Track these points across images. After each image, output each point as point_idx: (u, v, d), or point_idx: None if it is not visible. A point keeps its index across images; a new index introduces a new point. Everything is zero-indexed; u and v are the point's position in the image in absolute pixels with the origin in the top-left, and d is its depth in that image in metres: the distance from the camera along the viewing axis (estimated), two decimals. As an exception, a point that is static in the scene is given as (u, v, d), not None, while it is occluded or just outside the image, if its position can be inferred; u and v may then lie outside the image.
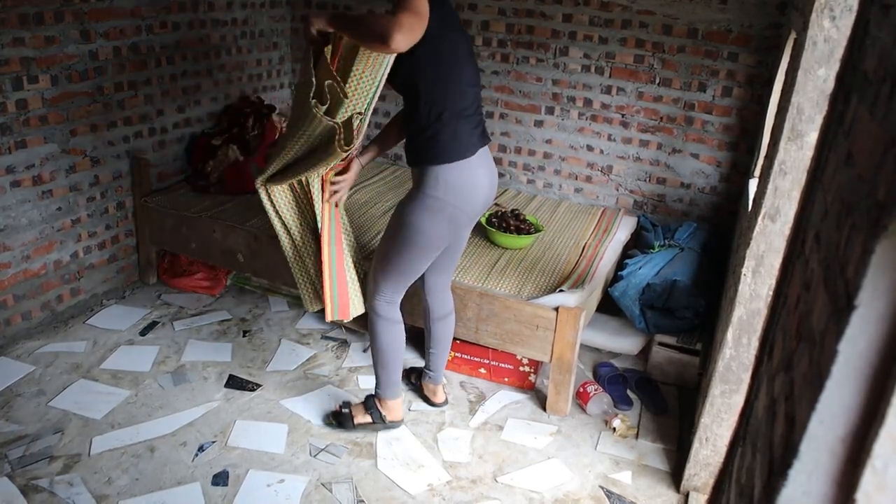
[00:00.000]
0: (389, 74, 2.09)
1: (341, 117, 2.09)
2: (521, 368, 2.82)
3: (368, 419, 2.50)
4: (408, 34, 1.81)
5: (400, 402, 2.52)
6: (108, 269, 3.30)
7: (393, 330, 2.37)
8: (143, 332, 3.07)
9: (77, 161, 3.02)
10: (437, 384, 2.67)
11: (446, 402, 2.70)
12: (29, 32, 2.71)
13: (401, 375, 2.48)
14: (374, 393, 2.52)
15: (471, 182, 2.11)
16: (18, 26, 2.67)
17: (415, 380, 2.77)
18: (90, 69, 2.98)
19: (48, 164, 2.90)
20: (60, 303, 3.11)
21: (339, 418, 2.52)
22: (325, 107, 2.05)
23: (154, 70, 3.29)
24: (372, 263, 2.33)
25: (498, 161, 3.81)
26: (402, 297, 2.36)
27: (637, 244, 3.35)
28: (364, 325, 3.12)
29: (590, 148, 3.57)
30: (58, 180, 2.96)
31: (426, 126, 2.06)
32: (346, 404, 2.54)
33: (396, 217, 2.19)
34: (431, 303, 2.51)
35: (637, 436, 2.61)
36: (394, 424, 2.52)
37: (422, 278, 2.47)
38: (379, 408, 2.49)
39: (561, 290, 2.64)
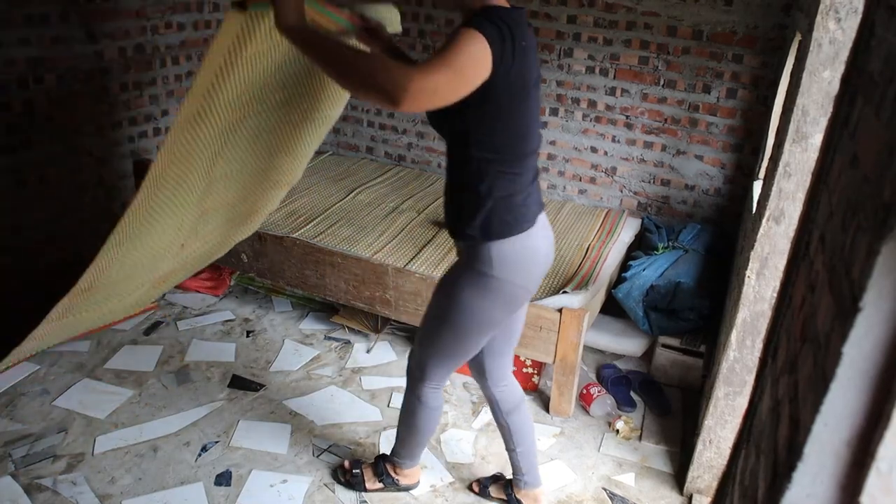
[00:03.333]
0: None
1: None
2: (525, 370, 2.81)
3: (380, 486, 2.25)
4: (428, 99, 1.42)
5: (418, 469, 2.28)
6: (112, 268, 3.31)
7: (433, 417, 2.06)
8: (147, 332, 3.07)
9: (82, 161, 3.03)
10: (536, 487, 2.21)
11: None
12: (34, 32, 2.72)
13: (421, 451, 2.22)
14: (388, 457, 2.25)
15: (531, 255, 1.75)
16: (24, 26, 2.68)
17: (510, 492, 2.24)
18: (95, 69, 2.99)
19: (53, 164, 2.91)
20: (65, 302, 3.12)
21: (349, 479, 2.27)
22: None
23: (159, 70, 3.30)
24: (416, 345, 1.99)
25: (502, 162, 3.80)
26: (447, 380, 2.05)
27: (641, 246, 3.34)
28: (367, 325, 3.12)
29: (594, 149, 3.57)
30: (62, 180, 2.96)
31: (478, 195, 1.67)
32: (357, 464, 2.29)
33: (444, 294, 1.83)
34: (497, 393, 2.09)
35: (640, 438, 2.61)
36: (409, 487, 2.28)
37: (479, 366, 2.08)
38: (393, 474, 2.24)
39: (564, 292, 2.64)
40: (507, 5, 1.62)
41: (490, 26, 1.48)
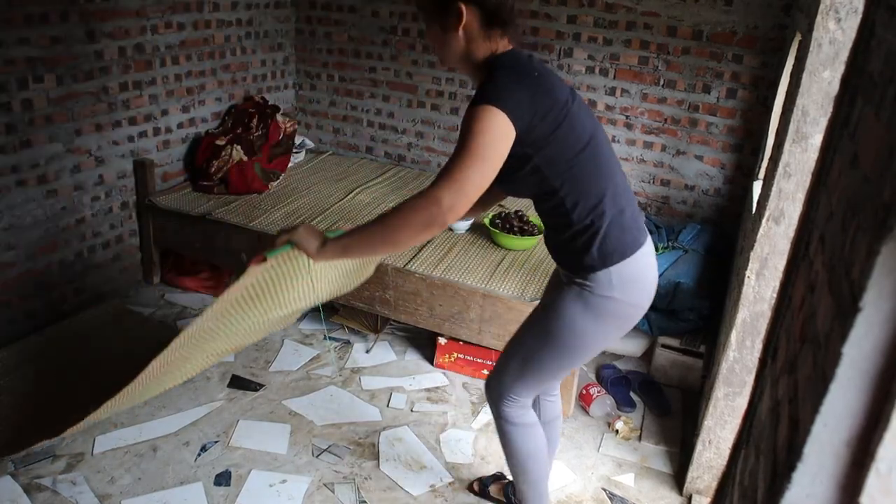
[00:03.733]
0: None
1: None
2: (524, 370, 2.81)
3: None
4: (466, 200, 1.43)
5: None
6: (112, 268, 3.31)
7: (532, 435, 1.90)
8: (147, 332, 3.07)
9: (81, 160, 3.03)
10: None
11: None
12: (34, 32, 2.72)
13: (547, 484, 2.02)
14: None
15: (648, 269, 1.68)
16: (23, 26, 2.68)
17: (511, 496, 2.19)
18: (95, 69, 2.99)
19: (53, 164, 2.91)
20: (64, 302, 3.12)
21: None
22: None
23: (159, 70, 3.30)
24: (502, 369, 1.85)
25: (502, 162, 3.80)
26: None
27: (641, 246, 3.34)
28: (366, 325, 3.12)
29: (594, 149, 3.56)
30: (62, 179, 2.96)
31: (586, 227, 1.60)
32: None
33: (553, 318, 1.70)
34: (542, 402, 2.04)
35: (640, 438, 2.60)
36: None
37: None
38: None
39: (564, 292, 2.63)
40: (510, 46, 1.60)
41: (497, 89, 1.48)
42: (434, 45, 1.63)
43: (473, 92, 3.71)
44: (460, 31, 1.54)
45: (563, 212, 1.61)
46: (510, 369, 1.82)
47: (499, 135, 1.45)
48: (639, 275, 1.64)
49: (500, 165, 1.48)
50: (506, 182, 1.56)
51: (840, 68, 1.67)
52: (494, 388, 1.88)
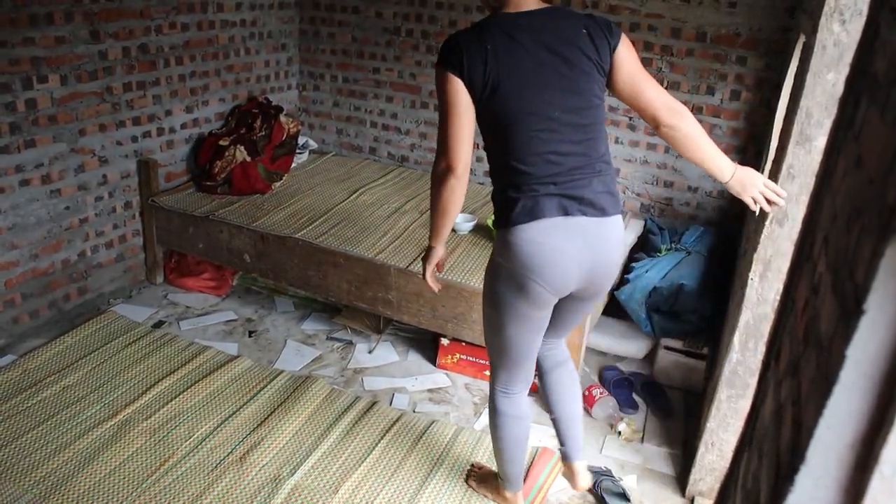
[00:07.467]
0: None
1: None
2: (527, 371, 2.81)
3: (488, 494, 2.27)
4: (453, 150, 1.71)
5: (518, 497, 2.15)
6: (115, 268, 3.32)
7: (508, 423, 1.99)
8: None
9: (85, 160, 3.04)
10: (573, 460, 2.12)
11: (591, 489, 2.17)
12: (39, 32, 2.73)
13: (523, 470, 2.12)
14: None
15: (537, 247, 1.70)
16: (28, 26, 2.69)
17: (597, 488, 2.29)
18: (99, 69, 3.00)
19: (57, 163, 2.91)
20: (68, 301, 3.12)
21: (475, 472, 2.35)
22: None
23: (162, 70, 3.30)
24: None
25: (505, 163, 3.80)
26: (522, 387, 1.98)
27: (644, 248, 3.34)
28: (369, 326, 3.12)
29: (597, 151, 3.56)
30: (66, 179, 2.97)
31: (493, 183, 1.82)
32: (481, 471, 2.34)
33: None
34: (541, 353, 2.08)
35: (642, 439, 2.60)
36: None
37: None
38: (494, 494, 2.23)
39: (567, 293, 2.63)
40: (516, 6, 1.71)
41: (444, 51, 1.70)
42: None
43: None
44: None
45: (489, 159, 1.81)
46: (488, 353, 2.00)
47: (447, 88, 1.69)
48: (526, 246, 1.71)
49: (465, 111, 1.70)
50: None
51: (844, 70, 1.67)
52: (491, 373, 2.04)
